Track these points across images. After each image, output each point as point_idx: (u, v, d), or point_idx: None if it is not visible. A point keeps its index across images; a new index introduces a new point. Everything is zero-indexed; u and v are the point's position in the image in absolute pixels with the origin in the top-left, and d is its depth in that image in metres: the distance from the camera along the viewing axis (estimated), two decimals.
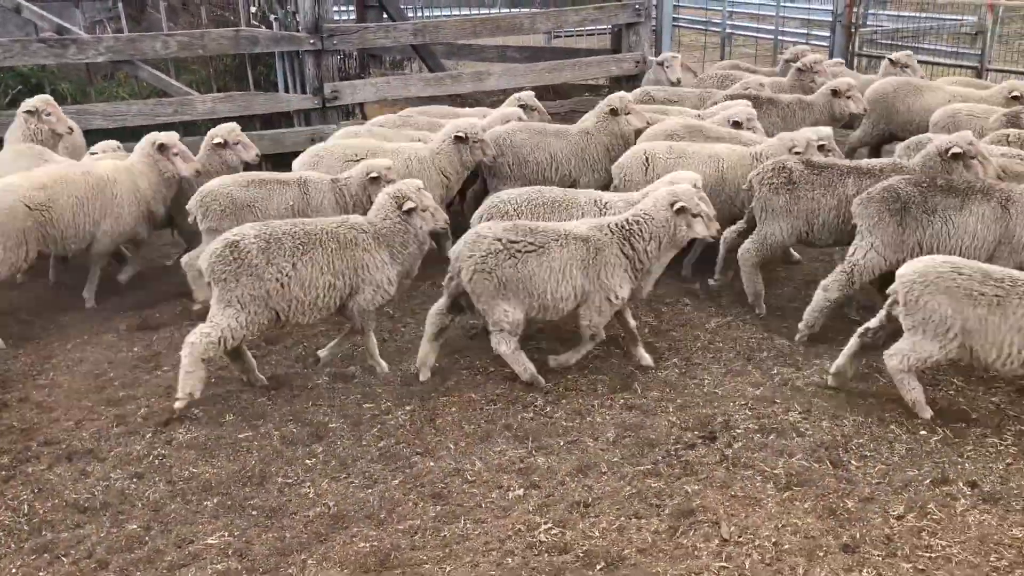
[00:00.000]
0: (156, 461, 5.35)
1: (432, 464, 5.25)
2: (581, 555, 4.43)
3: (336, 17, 14.60)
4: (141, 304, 7.67)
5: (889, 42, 15.38)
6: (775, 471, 5.05)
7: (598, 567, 4.36)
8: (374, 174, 7.11)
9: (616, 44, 13.34)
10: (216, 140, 8.09)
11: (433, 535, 4.64)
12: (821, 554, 4.38)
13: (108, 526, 4.77)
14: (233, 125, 8.28)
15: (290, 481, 5.14)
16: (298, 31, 10.90)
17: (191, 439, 5.57)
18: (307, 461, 5.33)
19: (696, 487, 4.94)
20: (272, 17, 11.35)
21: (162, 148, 7.73)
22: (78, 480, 5.18)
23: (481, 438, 5.51)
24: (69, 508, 4.92)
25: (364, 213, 6.48)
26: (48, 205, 7.04)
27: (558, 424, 5.63)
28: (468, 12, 15.06)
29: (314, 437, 5.58)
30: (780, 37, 15.63)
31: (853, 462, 5.13)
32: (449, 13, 14.61)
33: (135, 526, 4.75)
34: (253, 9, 12.33)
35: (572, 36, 18.11)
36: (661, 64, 11.26)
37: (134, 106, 10.46)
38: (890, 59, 10.80)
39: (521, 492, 4.96)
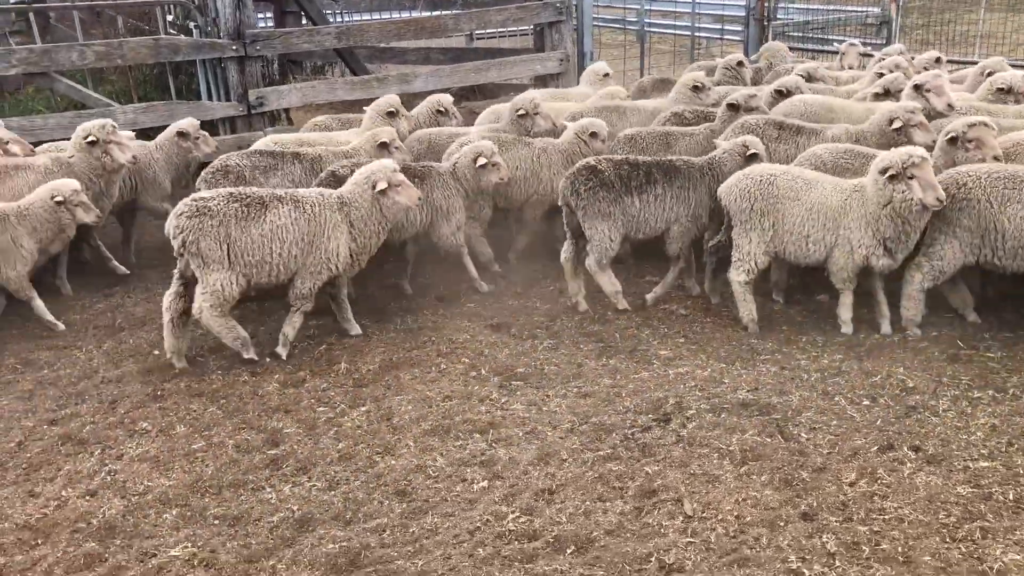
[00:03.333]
0: (108, 477, 5.21)
1: (393, 462, 5.24)
2: (551, 540, 4.48)
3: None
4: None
5: (799, 34, 15.87)
6: (730, 448, 5.19)
7: (568, 551, 4.42)
8: None
9: (539, 43, 13.48)
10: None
11: (401, 531, 4.64)
12: (782, 524, 4.52)
13: (64, 546, 4.62)
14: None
15: (249, 488, 5.07)
16: (220, 38, 10.72)
17: (142, 453, 5.44)
18: (264, 468, 5.26)
19: (656, 468, 5.04)
20: (192, 24, 11.15)
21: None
22: (27, 501, 5.01)
23: (440, 434, 5.51)
24: (21, 529, 4.75)
25: None
26: None
27: (516, 416, 5.68)
28: (389, 15, 15.02)
29: (270, 443, 5.50)
30: (696, 33, 15.97)
31: (803, 434, 5.31)
32: (369, 17, 14.53)
33: (93, 544, 4.62)
34: (170, 18, 12.08)
35: (494, 37, 18.20)
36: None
37: (51, 119, 10.15)
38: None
39: (485, 484, 4.99)
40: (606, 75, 10.18)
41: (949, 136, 6.57)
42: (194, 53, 10.71)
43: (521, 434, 5.48)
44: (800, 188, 6.49)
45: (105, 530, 4.73)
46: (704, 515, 4.62)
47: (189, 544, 4.60)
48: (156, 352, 6.77)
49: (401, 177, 6.67)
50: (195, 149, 8.61)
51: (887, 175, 6.11)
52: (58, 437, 5.66)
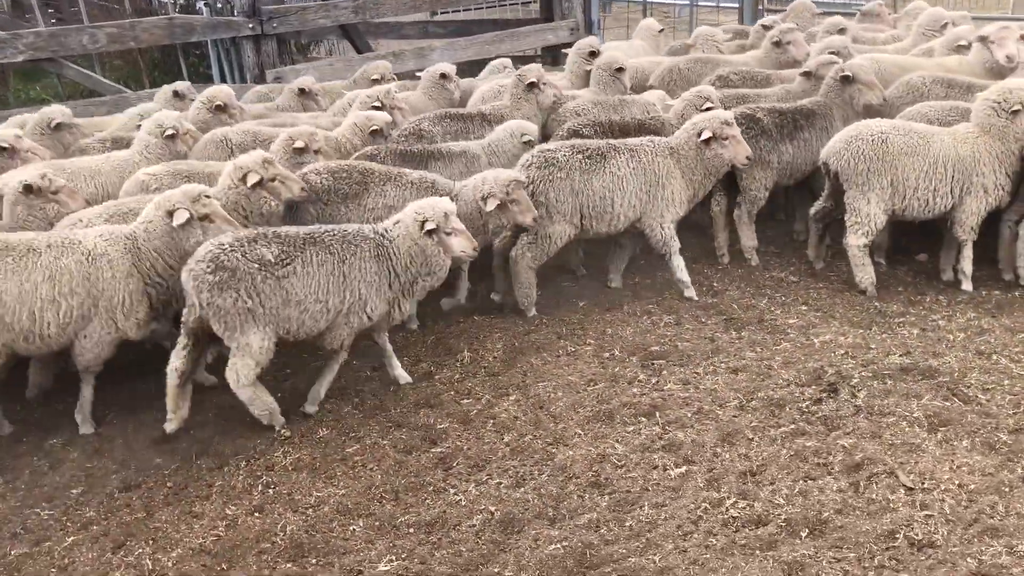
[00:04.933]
0: (269, 491, 4.81)
1: (571, 453, 4.96)
2: (782, 524, 4.27)
3: None
4: None
5: None
6: (915, 415, 5.04)
7: (803, 534, 4.21)
8: None
9: (547, 13, 13.16)
10: None
11: (618, 526, 4.37)
12: (1007, 489, 4.39)
13: (256, 569, 4.23)
14: None
15: (430, 490, 4.73)
16: (234, 15, 10.12)
17: (294, 461, 5.04)
18: (435, 468, 4.92)
19: (850, 441, 4.86)
20: (202, 3, 10.49)
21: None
22: (192, 523, 4.58)
23: (604, 420, 5.25)
24: (199, 555, 4.34)
25: None
26: None
27: (675, 396, 5.44)
28: None
29: (427, 441, 5.16)
30: (696, 3, 15.83)
31: (981, 396, 5.19)
32: None
33: (288, 564, 4.24)
34: None
35: (458, 11, 17.62)
36: None
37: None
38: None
39: (682, 470, 4.74)
40: (661, 31, 10.11)
41: None
42: (210, 33, 10.10)
43: (690, 415, 5.24)
44: (917, 143, 6.36)
45: (293, 548, 4.35)
46: (925, 486, 4.46)
47: (393, 557, 4.26)
48: None
49: (731, 130, 6.48)
50: (456, 91, 8.54)
51: (1016, 112, 6.23)
52: (188, 450, 5.21)
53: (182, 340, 5.19)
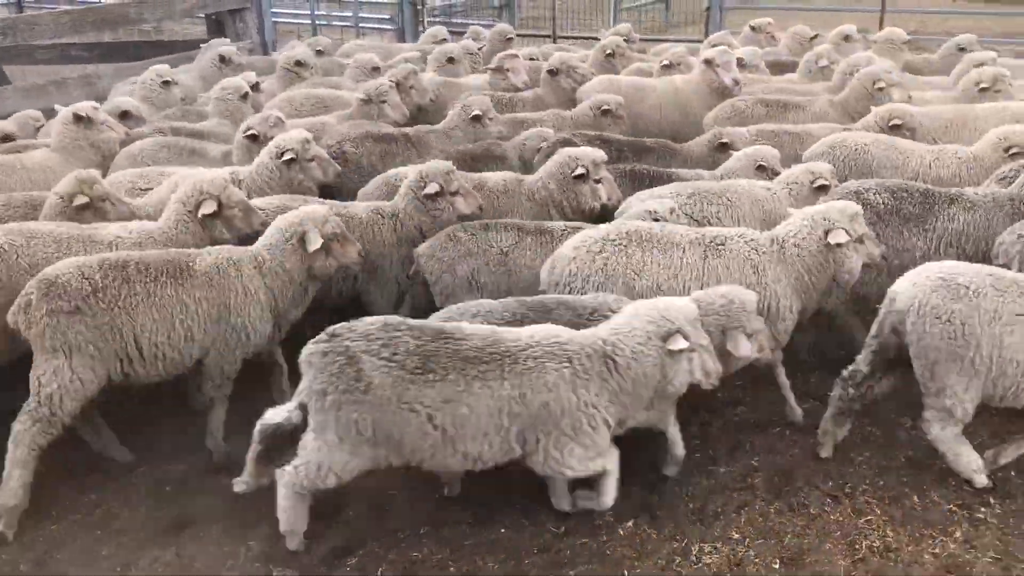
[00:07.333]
0: None
1: (649, 563, 4.11)
2: None
3: None
4: None
5: (444, 19, 15.80)
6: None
7: None
8: None
9: (218, 33, 11.52)
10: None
11: None
12: None
13: None
14: None
15: None
16: None
17: None
18: None
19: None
20: None
21: None
22: None
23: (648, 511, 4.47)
24: None
25: None
26: None
27: (704, 466, 4.85)
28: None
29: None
30: (360, 24, 15.08)
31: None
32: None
33: None
34: None
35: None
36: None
37: None
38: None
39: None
40: (509, 39, 10.63)
41: None
42: None
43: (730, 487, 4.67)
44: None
45: None
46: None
47: None
48: None
49: None
50: None
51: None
52: None
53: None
